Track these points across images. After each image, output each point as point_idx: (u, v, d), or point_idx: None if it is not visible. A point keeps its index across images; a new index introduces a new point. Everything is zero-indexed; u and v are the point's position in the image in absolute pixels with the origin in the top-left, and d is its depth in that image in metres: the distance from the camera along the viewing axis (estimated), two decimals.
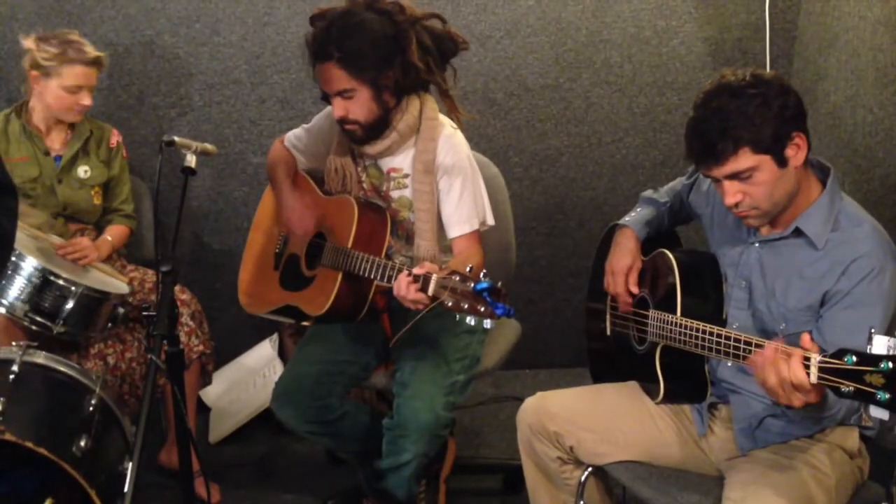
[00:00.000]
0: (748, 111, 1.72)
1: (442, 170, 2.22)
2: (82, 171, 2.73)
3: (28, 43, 2.60)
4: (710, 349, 1.78)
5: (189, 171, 2.00)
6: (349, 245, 2.20)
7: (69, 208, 2.71)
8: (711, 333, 1.78)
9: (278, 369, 3.16)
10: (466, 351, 2.32)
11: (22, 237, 2.48)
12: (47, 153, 2.69)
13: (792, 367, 1.50)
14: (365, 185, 2.34)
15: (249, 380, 3.19)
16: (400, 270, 2.02)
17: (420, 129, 2.21)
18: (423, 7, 2.19)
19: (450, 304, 1.83)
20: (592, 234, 3.37)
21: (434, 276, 1.89)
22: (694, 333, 1.83)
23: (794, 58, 3.27)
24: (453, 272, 1.86)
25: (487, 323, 1.81)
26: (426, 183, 2.21)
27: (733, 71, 1.80)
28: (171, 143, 2.02)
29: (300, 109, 3.19)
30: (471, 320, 1.82)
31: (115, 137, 2.82)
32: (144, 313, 1.61)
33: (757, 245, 1.90)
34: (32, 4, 3.01)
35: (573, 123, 3.32)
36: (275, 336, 3.30)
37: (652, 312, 2.01)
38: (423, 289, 1.90)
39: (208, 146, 2.15)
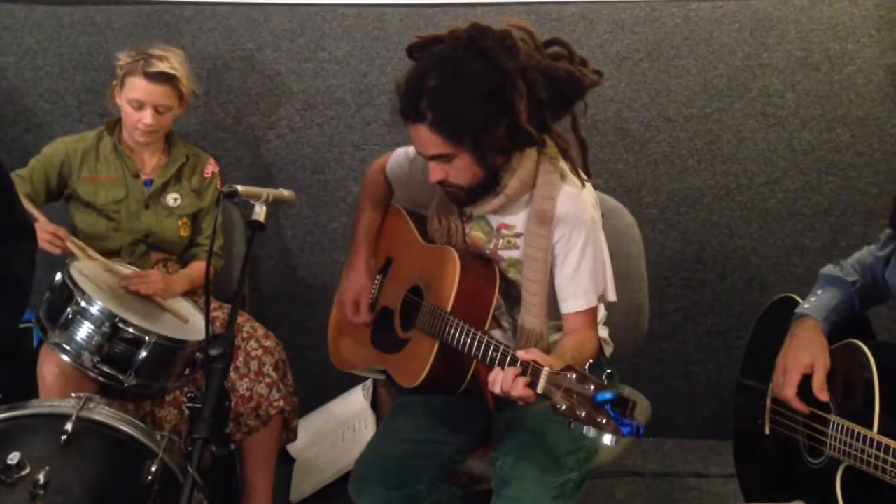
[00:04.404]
0: None
1: (559, 232, 1.86)
2: (172, 198, 2.52)
3: (123, 57, 2.43)
4: None
5: (257, 226, 1.65)
6: (448, 308, 1.87)
7: (151, 236, 2.50)
8: None
9: (370, 423, 2.86)
10: (582, 441, 1.91)
11: (94, 271, 2.27)
12: (137, 175, 2.49)
13: None
14: (468, 240, 1.99)
15: (338, 432, 2.89)
16: (505, 354, 1.69)
17: (536, 183, 1.86)
18: (552, 25, 1.81)
19: (563, 408, 1.52)
20: (736, 289, 2.96)
21: (545, 371, 1.57)
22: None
23: None
24: (569, 368, 1.54)
25: (608, 439, 1.46)
26: (539, 249, 1.85)
27: None
28: (234, 195, 1.67)
29: (408, 134, 2.85)
30: (588, 431, 1.48)
31: (211, 167, 2.60)
32: (189, 405, 1.28)
33: None
34: (129, 14, 2.82)
35: (720, 160, 2.88)
36: (368, 383, 2.99)
37: (834, 420, 1.59)
38: (532, 384, 1.58)
39: (284, 192, 1.83)
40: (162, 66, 2.36)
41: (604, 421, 1.44)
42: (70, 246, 2.29)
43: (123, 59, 2.40)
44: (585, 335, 1.87)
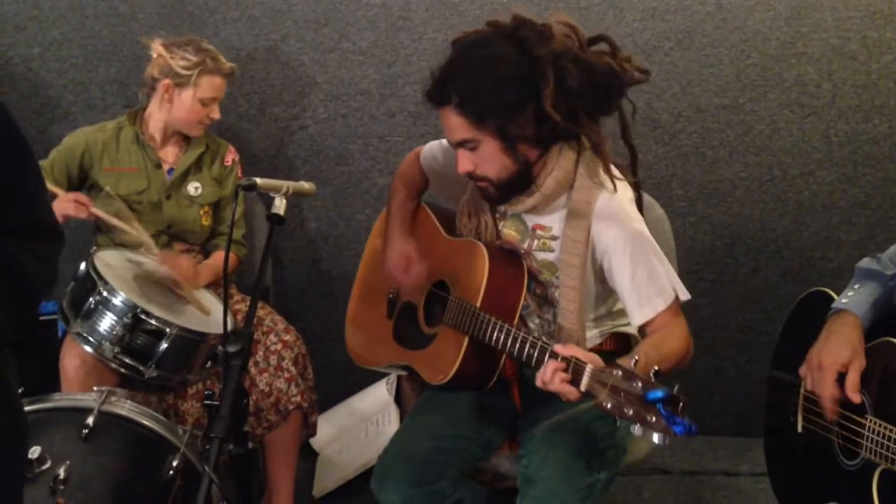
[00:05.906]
0: None
1: (602, 243, 1.78)
2: (193, 187, 2.50)
3: (159, 49, 2.39)
4: None
5: (277, 219, 1.61)
6: (477, 304, 1.83)
7: (174, 227, 2.49)
8: None
9: (393, 417, 2.83)
10: (611, 440, 1.87)
11: (120, 261, 2.26)
12: (159, 165, 2.48)
13: None
14: (502, 237, 1.94)
15: (361, 427, 2.86)
16: (543, 349, 1.65)
17: (574, 186, 1.80)
18: (580, 14, 1.76)
19: (608, 405, 1.47)
20: (768, 284, 2.89)
21: (588, 368, 1.52)
22: None
23: None
24: (615, 366, 1.48)
25: (657, 438, 1.41)
26: (576, 255, 1.78)
27: None
28: (252, 188, 1.63)
29: (433, 125, 2.84)
30: (636, 430, 1.43)
31: (231, 155, 2.59)
32: (206, 402, 1.25)
33: None
34: (154, 4, 2.80)
35: (753, 152, 2.80)
36: (392, 377, 2.96)
37: (870, 421, 1.53)
38: (574, 381, 1.53)
39: (305, 185, 1.79)
40: (228, 62, 2.44)
41: (653, 420, 1.39)
42: (95, 211, 2.30)
43: (181, 56, 2.37)
44: (666, 331, 1.74)
